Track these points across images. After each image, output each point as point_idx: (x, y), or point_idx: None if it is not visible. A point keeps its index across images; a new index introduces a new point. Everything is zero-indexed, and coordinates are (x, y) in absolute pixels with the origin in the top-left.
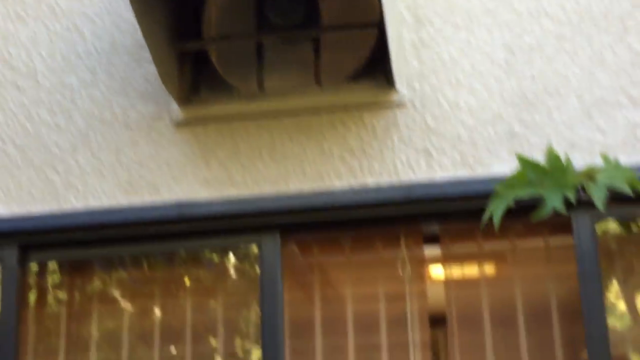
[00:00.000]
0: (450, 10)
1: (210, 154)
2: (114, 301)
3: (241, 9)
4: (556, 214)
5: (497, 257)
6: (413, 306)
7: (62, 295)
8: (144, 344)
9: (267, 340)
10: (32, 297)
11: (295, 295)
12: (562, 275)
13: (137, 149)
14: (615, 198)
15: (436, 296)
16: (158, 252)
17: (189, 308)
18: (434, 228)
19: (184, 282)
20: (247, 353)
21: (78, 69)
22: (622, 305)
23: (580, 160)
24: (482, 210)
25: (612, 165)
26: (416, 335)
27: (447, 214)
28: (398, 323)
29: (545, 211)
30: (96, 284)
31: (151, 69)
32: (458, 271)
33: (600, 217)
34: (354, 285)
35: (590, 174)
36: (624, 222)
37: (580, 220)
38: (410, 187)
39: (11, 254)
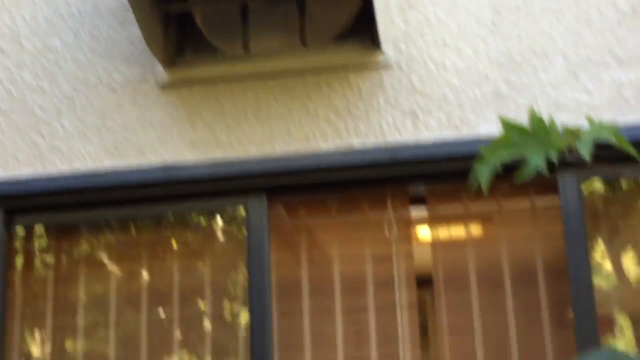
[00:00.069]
0: None
1: (196, 116)
2: (101, 264)
3: None
4: (542, 174)
5: (483, 218)
6: (400, 267)
7: (49, 258)
8: (131, 307)
9: (254, 302)
10: (19, 261)
11: (282, 257)
12: (548, 235)
13: (122, 111)
14: (601, 158)
15: (423, 257)
16: (145, 215)
17: (176, 271)
18: (420, 189)
19: (171, 245)
20: (234, 315)
21: (61, 31)
22: (607, 265)
23: (566, 121)
24: (468, 171)
25: (597, 125)
26: (403, 296)
27: (433, 175)
28: (385, 284)
29: (528, 172)
30: (83, 247)
31: (135, 31)
32: (444, 232)
33: (586, 176)
34: (340, 246)
35: (574, 134)
36: (610, 182)
37: (566, 181)
38: (397, 148)
39: None
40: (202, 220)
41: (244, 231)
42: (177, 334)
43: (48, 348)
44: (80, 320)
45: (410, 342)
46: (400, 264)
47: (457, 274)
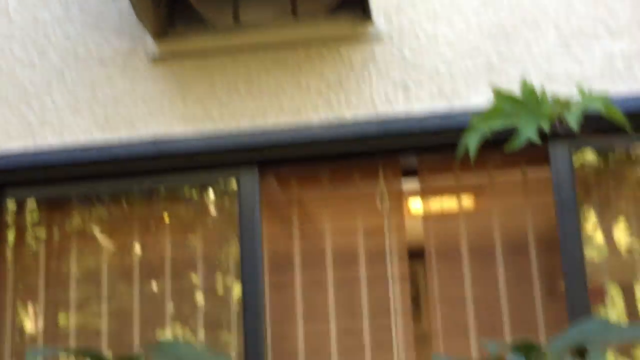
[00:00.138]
0: None
1: (187, 89)
2: (93, 238)
3: None
4: (534, 145)
5: (475, 190)
6: (392, 239)
7: (41, 232)
8: (124, 281)
9: (246, 274)
10: (11, 235)
11: (274, 230)
12: (540, 206)
13: (112, 84)
14: (592, 128)
15: (415, 229)
16: (136, 189)
17: (168, 244)
18: (412, 161)
19: (163, 219)
20: (227, 288)
21: (51, 4)
22: (599, 236)
23: (558, 92)
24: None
25: (587, 96)
26: (395, 268)
27: (425, 147)
28: (377, 256)
29: (519, 142)
30: (75, 221)
31: (125, 4)
32: (436, 204)
33: (577, 147)
34: (332, 219)
35: (565, 104)
36: (601, 153)
37: (557, 152)
38: (388, 120)
39: None
40: (194, 194)
41: (236, 204)
42: (170, 307)
43: (41, 321)
44: (73, 294)
45: (402, 313)
46: (392, 235)
47: (448, 245)
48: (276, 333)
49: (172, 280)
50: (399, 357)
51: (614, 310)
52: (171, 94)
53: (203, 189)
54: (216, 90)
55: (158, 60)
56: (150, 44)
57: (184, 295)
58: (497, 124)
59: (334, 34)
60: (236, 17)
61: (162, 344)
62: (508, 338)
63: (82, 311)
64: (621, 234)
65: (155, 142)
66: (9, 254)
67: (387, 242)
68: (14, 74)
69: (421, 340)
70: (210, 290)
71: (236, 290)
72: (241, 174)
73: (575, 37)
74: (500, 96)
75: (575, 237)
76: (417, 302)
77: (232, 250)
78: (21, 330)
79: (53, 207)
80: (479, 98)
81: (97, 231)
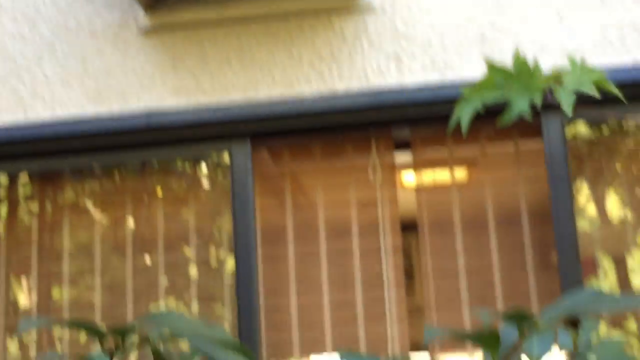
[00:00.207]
0: None
1: (178, 62)
2: (86, 212)
3: None
4: (526, 117)
5: (467, 162)
6: (384, 212)
7: (34, 206)
8: (117, 254)
9: (239, 247)
10: (3, 208)
11: (267, 203)
12: (532, 178)
13: (103, 57)
14: (585, 101)
15: (407, 202)
16: (129, 162)
17: (161, 218)
18: (405, 133)
19: (156, 192)
20: (220, 261)
21: None
22: (591, 208)
23: (551, 63)
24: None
25: (579, 68)
26: (388, 240)
27: (417, 119)
28: (370, 229)
29: (512, 115)
30: (67, 194)
31: None
32: (429, 176)
33: (570, 120)
34: (325, 191)
35: (557, 77)
36: (594, 125)
37: (550, 124)
38: (381, 92)
39: None
40: (187, 167)
41: (229, 177)
42: (163, 280)
43: (34, 295)
44: (66, 268)
45: (395, 285)
46: (385, 208)
47: (441, 217)
48: (269, 305)
49: (165, 254)
50: (392, 329)
51: (606, 281)
52: (162, 66)
53: (196, 162)
54: (208, 63)
55: (149, 32)
56: (141, 16)
57: (177, 268)
58: (489, 97)
59: (326, 5)
60: None
61: (156, 315)
62: (501, 309)
63: (75, 285)
64: (613, 205)
65: (146, 115)
66: (2, 228)
67: (379, 215)
68: (4, 47)
69: (414, 311)
70: (203, 263)
71: (229, 263)
72: (233, 146)
73: (568, 8)
74: (493, 68)
75: (567, 209)
76: (410, 274)
77: (225, 223)
78: (14, 304)
79: (45, 181)
80: (472, 70)
81: (89, 205)
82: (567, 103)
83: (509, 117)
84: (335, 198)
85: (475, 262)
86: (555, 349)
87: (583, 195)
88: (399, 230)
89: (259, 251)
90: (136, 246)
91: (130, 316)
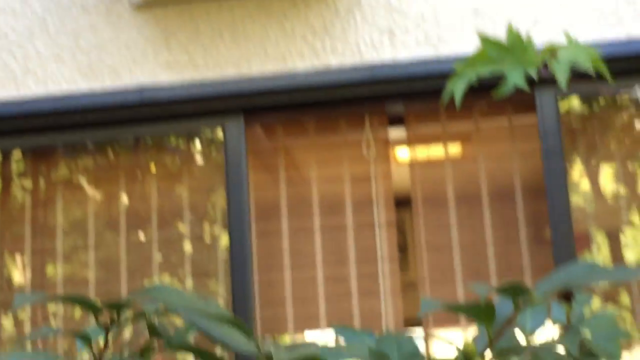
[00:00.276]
0: None
1: (171, 37)
2: (80, 188)
3: None
4: (520, 92)
5: (461, 137)
6: (378, 187)
7: (27, 183)
8: (110, 230)
9: (233, 223)
10: None
11: (260, 178)
12: (526, 153)
13: (96, 32)
14: (578, 75)
15: (401, 177)
16: (122, 138)
17: (155, 194)
18: (399, 108)
19: (149, 168)
20: (214, 237)
21: None
22: (584, 183)
23: (544, 38)
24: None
25: (574, 43)
26: (381, 215)
27: (411, 93)
28: (363, 204)
29: (507, 88)
30: (61, 171)
31: None
32: (423, 151)
33: (563, 94)
34: (319, 167)
35: (551, 51)
36: (587, 100)
37: (543, 98)
38: (374, 67)
39: None
40: (181, 143)
41: (222, 153)
42: (157, 256)
43: (28, 272)
44: (60, 244)
45: (389, 260)
46: (379, 183)
47: (435, 192)
48: (263, 281)
49: (159, 230)
50: (386, 304)
51: (600, 255)
52: (155, 41)
53: (189, 138)
54: (200, 37)
55: (141, 7)
56: None
57: (171, 244)
58: (483, 70)
59: None
60: None
61: (150, 289)
62: (494, 284)
63: (69, 261)
64: (607, 180)
65: (139, 90)
66: None
67: (373, 190)
68: None
69: (408, 287)
70: (197, 239)
71: (223, 238)
72: (227, 122)
73: None
74: (486, 41)
75: (561, 184)
76: (403, 249)
77: (219, 199)
78: (9, 281)
79: (39, 157)
80: (465, 44)
81: (83, 181)
82: (562, 75)
83: (504, 89)
84: (328, 173)
85: (468, 237)
86: (548, 322)
87: (577, 170)
88: (392, 205)
89: (253, 227)
90: (130, 222)
91: (124, 293)
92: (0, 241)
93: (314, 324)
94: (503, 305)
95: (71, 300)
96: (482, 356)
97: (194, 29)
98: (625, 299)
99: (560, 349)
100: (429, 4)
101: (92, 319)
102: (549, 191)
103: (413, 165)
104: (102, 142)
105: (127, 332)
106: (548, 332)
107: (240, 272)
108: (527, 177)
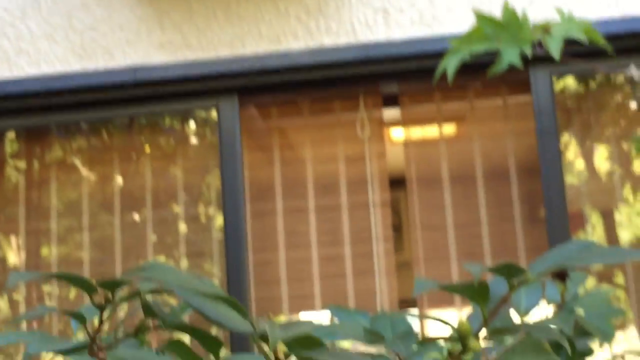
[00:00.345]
0: None
1: (164, 16)
2: (74, 168)
3: None
4: (514, 71)
5: (455, 117)
6: (373, 167)
7: (21, 164)
8: (105, 211)
9: (228, 203)
10: None
11: (255, 158)
12: (521, 133)
13: (89, 12)
14: (573, 53)
15: (396, 157)
16: (115, 118)
17: (149, 174)
18: (393, 88)
19: (144, 149)
20: (209, 217)
21: None
22: (579, 162)
23: (540, 16)
24: None
25: (567, 19)
26: (376, 195)
27: (405, 73)
28: (358, 184)
29: (501, 66)
30: (55, 151)
31: None
32: (417, 131)
33: (558, 73)
34: (313, 147)
35: (545, 28)
36: (582, 79)
37: (538, 77)
38: (368, 46)
39: None
40: (175, 123)
41: (217, 133)
42: (152, 237)
43: (23, 253)
44: (54, 225)
45: (384, 240)
46: (373, 163)
47: (429, 172)
48: (258, 260)
49: (153, 210)
50: (381, 284)
51: (594, 235)
52: (148, 21)
53: (183, 119)
54: (194, 18)
55: None
56: None
57: (166, 225)
58: (478, 47)
59: None
60: None
61: (145, 267)
62: (489, 263)
63: (63, 242)
64: (601, 159)
65: (133, 71)
66: None
67: (368, 170)
68: None
69: (402, 266)
70: (192, 220)
71: (218, 219)
72: (221, 102)
73: None
74: (482, 18)
75: (555, 163)
76: (398, 229)
77: (213, 180)
78: (3, 262)
79: (32, 138)
80: (460, 24)
81: (77, 162)
82: (555, 49)
83: (499, 67)
84: (323, 153)
85: (463, 217)
86: (543, 301)
87: (571, 149)
88: (387, 185)
89: (248, 207)
90: (124, 203)
91: (119, 274)
92: None
93: (308, 304)
94: (497, 285)
95: (65, 278)
96: (477, 336)
97: (187, 9)
98: (619, 278)
99: (555, 328)
100: None
101: (86, 300)
102: (544, 170)
103: (407, 145)
104: (96, 122)
105: (122, 312)
106: (542, 312)
107: (235, 253)
108: (521, 156)
